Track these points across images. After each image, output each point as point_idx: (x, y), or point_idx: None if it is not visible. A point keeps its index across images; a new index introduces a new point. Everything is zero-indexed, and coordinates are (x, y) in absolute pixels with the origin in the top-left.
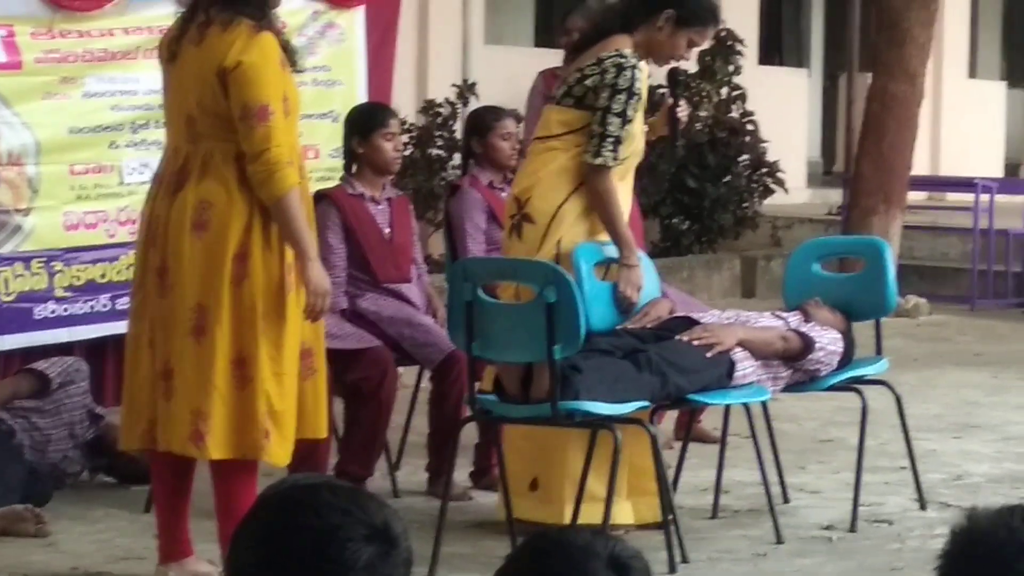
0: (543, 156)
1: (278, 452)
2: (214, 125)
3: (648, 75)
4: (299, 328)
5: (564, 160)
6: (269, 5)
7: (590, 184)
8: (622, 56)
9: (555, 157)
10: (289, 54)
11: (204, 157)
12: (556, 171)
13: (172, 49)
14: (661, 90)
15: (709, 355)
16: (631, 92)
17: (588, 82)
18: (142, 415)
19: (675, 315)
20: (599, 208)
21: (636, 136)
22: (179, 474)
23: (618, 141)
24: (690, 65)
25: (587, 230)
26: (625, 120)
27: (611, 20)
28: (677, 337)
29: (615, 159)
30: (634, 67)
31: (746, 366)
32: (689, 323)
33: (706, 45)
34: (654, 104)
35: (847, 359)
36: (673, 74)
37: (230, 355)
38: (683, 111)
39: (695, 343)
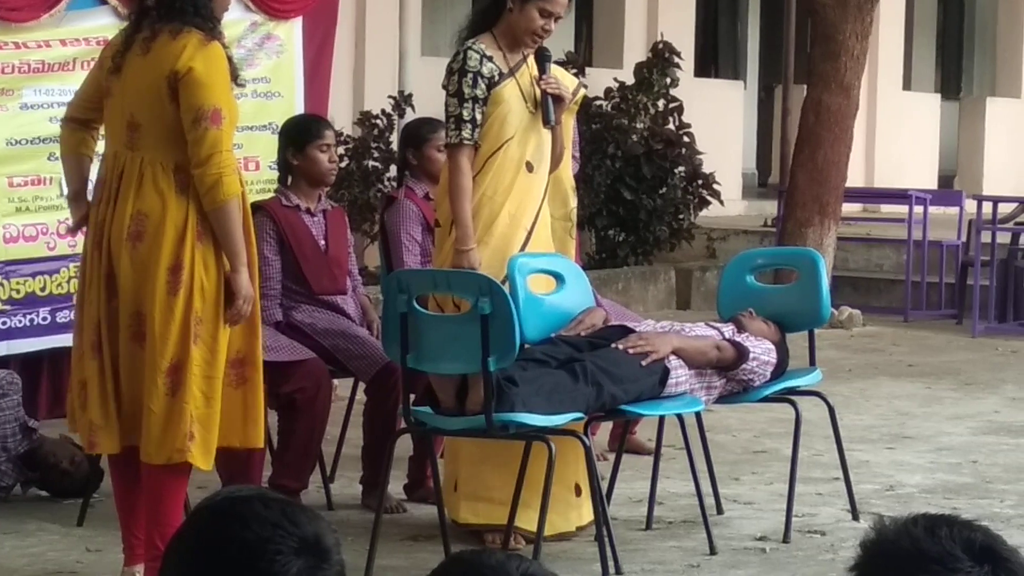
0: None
1: (200, 455)
2: (158, 134)
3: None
4: (233, 334)
5: None
6: (216, 16)
7: (447, 159)
8: (462, 46)
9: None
10: (233, 68)
11: (143, 166)
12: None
13: (116, 61)
14: (598, 102)
15: (644, 363)
16: (462, 71)
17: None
18: (88, 418)
19: (610, 324)
20: (449, 179)
21: (505, 119)
22: (130, 475)
23: (461, 119)
24: (627, 76)
25: (483, 224)
26: (462, 98)
27: (473, 26)
28: (612, 345)
29: (461, 137)
30: (467, 49)
31: (680, 374)
32: (624, 331)
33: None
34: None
35: (781, 370)
36: (538, 52)
37: (165, 364)
38: (550, 85)
39: (630, 351)
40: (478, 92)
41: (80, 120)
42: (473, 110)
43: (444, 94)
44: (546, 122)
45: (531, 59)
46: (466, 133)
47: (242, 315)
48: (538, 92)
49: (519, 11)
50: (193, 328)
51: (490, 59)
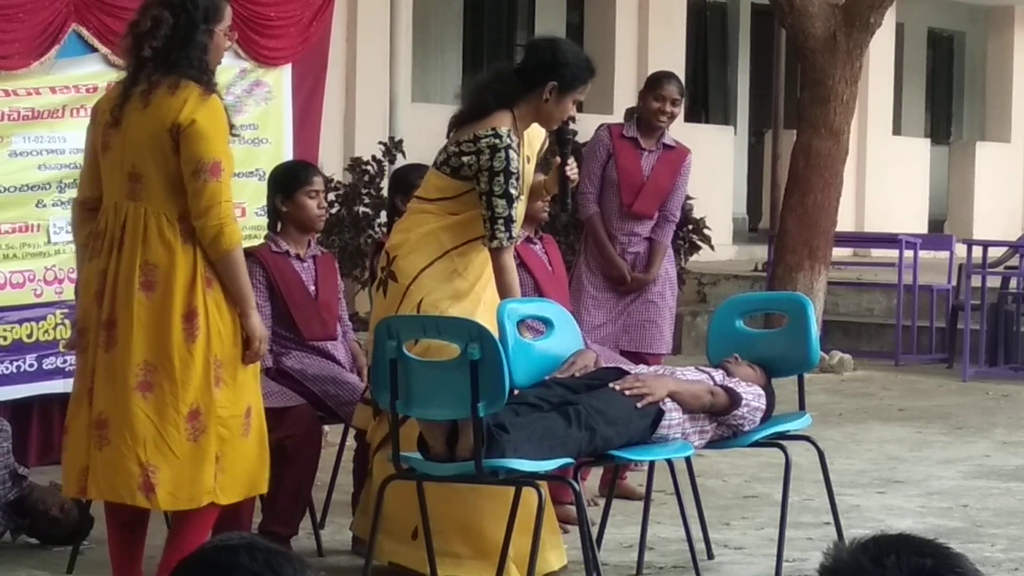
0: (417, 217)
1: (224, 495)
2: (161, 185)
3: (543, 138)
4: (250, 383)
5: (434, 225)
6: (211, 68)
7: (493, 261)
8: (497, 136)
9: (426, 220)
10: (228, 120)
11: (147, 217)
12: (425, 234)
13: (115, 115)
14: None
15: (640, 405)
16: (507, 172)
17: (465, 159)
18: (75, 464)
19: (604, 366)
20: (499, 280)
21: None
22: (128, 524)
23: (509, 220)
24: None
25: (450, 294)
26: (510, 199)
27: (489, 99)
28: (610, 385)
29: (510, 238)
30: (507, 147)
31: (674, 417)
32: (620, 373)
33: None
34: (546, 162)
35: (767, 414)
36: (560, 133)
37: (185, 410)
38: (571, 170)
39: (627, 392)
40: (513, 191)
41: (94, 201)
42: (509, 209)
43: (491, 194)
44: (563, 207)
45: (528, 133)
46: (512, 231)
47: (259, 356)
48: (528, 168)
49: (556, 102)
50: (214, 372)
51: (517, 149)
